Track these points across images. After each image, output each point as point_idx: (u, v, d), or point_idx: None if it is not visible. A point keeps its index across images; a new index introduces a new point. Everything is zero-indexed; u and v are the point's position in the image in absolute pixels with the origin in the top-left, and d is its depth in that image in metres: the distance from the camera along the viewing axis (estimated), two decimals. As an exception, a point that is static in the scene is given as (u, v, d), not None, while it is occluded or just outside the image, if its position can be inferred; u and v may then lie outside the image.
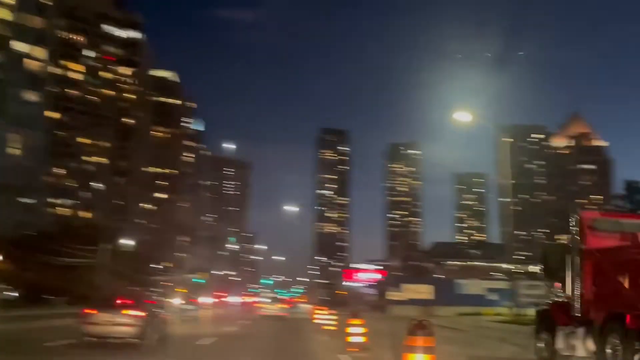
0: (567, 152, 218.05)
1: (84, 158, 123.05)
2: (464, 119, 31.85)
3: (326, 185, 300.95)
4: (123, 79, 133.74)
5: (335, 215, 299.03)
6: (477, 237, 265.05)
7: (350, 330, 15.64)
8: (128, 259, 64.59)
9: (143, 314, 15.37)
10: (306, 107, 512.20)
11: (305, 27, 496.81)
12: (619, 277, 10.76)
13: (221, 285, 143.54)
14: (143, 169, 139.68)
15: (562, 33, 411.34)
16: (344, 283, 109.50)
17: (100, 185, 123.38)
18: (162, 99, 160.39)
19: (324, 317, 29.08)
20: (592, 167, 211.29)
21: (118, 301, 16.01)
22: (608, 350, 10.42)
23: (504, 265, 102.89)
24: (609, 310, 10.77)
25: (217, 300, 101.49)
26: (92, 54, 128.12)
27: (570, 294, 12.12)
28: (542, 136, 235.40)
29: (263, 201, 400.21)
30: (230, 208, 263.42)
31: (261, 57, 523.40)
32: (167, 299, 39.18)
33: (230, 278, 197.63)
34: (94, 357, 13.99)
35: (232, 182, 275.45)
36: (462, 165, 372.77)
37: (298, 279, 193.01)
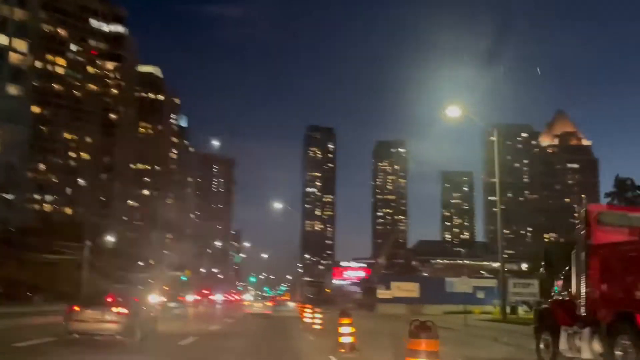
0: (552, 151, 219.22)
1: (66, 153, 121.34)
2: (453, 114, 31.37)
3: (313, 183, 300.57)
4: (107, 73, 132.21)
5: (322, 213, 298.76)
6: (465, 235, 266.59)
7: (341, 330, 14.77)
8: (111, 256, 63.59)
9: (127, 311, 15.31)
10: (293, 105, 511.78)
11: (292, 23, 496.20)
12: (628, 274, 10.02)
13: (206, 283, 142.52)
14: (127, 165, 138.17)
15: (551, 31, 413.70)
16: (333, 281, 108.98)
17: (84, 181, 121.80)
18: (147, 95, 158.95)
19: (310, 316, 28.38)
20: (576, 166, 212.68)
21: (103, 298, 15.95)
22: (618, 353, 9.69)
23: (493, 264, 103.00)
24: (618, 309, 10.01)
25: (201, 298, 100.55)
26: (75, 47, 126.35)
27: (574, 291, 11.39)
28: (526, 135, 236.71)
29: (249, 198, 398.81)
30: (215, 205, 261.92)
31: (247, 54, 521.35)
32: (149, 297, 38.37)
33: (215, 276, 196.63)
34: (63, 358, 13.25)
35: (217, 179, 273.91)
36: (449, 163, 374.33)
37: (285, 276, 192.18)
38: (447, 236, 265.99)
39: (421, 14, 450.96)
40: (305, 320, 29.96)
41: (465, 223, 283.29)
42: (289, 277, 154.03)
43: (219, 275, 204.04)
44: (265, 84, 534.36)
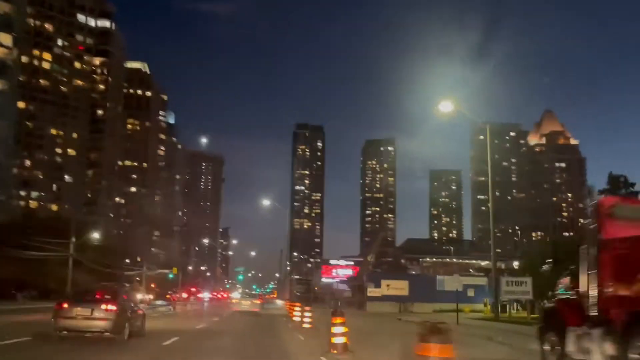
0: (540, 149, 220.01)
1: (52, 149, 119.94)
2: (446, 109, 31.05)
3: (301, 180, 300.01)
4: (94, 69, 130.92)
5: (310, 211, 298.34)
6: (453, 234, 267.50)
7: (334, 330, 14.14)
8: (97, 253, 62.82)
9: (116, 308, 15.31)
10: (283, 102, 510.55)
11: (281, 20, 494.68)
12: None
13: (193, 281, 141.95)
14: (114, 161, 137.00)
15: (539, 30, 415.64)
16: (322, 279, 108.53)
17: (70, 177, 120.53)
18: (134, 91, 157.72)
19: (300, 314, 27.88)
20: (564, 165, 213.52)
21: (92, 295, 16.08)
22: (633, 356, 8.93)
23: (481, 262, 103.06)
24: (633, 309, 9.27)
25: (189, 295, 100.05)
26: (62, 42, 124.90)
27: (583, 289, 10.65)
28: (514, 134, 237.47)
29: (238, 196, 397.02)
30: (203, 203, 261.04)
31: (236, 50, 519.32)
32: (136, 294, 37.96)
33: (203, 273, 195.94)
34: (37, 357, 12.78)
35: (206, 177, 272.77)
36: (437, 161, 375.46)
37: (273, 274, 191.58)
38: (435, 234, 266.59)
39: (411, 12, 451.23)
40: (295, 318, 29.48)
41: (454, 221, 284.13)
42: (277, 274, 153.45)
43: (207, 273, 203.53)
44: (254, 81, 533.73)
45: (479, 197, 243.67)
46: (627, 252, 9.77)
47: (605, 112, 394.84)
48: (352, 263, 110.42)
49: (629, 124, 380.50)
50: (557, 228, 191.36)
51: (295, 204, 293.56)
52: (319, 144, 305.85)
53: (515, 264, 61.03)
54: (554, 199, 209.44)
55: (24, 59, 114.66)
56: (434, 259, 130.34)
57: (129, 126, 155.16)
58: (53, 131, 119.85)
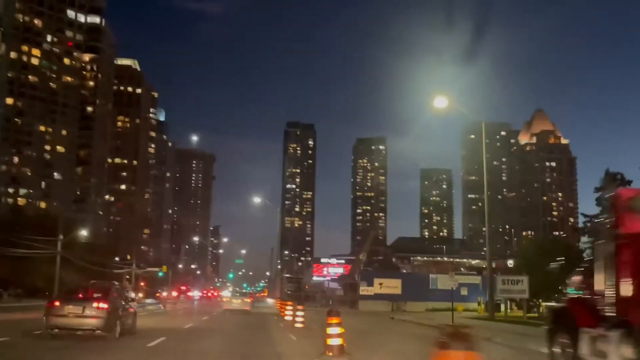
0: (530, 149, 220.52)
1: (41, 146, 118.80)
2: (441, 105, 30.60)
3: (292, 179, 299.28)
4: (84, 65, 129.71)
5: (301, 209, 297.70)
6: (443, 233, 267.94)
7: (329, 330, 13.32)
8: (86, 251, 62.09)
9: (108, 306, 15.38)
10: (274, 100, 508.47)
11: (273, 19, 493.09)
12: None
13: (183, 279, 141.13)
14: (104, 159, 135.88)
15: (527, 29, 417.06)
16: (313, 277, 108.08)
17: (59, 174, 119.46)
18: (125, 88, 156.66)
19: (292, 313, 27.32)
20: (554, 164, 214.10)
21: (83, 293, 16.17)
22: None
23: (472, 261, 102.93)
24: None
25: (179, 294, 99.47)
26: (51, 38, 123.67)
27: (600, 288, 9.86)
28: (504, 133, 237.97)
29: (229, 194, 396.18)
30: (194, 201, 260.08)
31: (228, 48, 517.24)
32: (127, 293, 37.42)
33: (194, 272, 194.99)
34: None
35: (196, 175, 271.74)
36: (428, 160, 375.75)
37: (262, 272, 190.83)
38: (426, 233, 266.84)
39: (401, 12, 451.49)
40: (286, 317, 28.90)
41: (444, 220, 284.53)
42: (267, 273, 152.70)
43: (197, 272, 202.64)
44: (245, 79, 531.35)
45: (469, 196, 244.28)
46: None
47: (596, 111, 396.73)
48: (343, 261, 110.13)
49: (620, 123, 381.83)
50: (547, 227, 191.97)
51: (286, 202, 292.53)
52: (310, 142, 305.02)
53: (510, 262, 60.72)
54: (544, 198, 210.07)
55: (13, 54, 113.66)
56: (425, 258, 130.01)
57: (119, 123, 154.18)
58: (42, 128, 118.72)
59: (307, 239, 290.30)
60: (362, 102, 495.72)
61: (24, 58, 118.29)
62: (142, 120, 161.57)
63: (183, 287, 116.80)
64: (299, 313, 25.17)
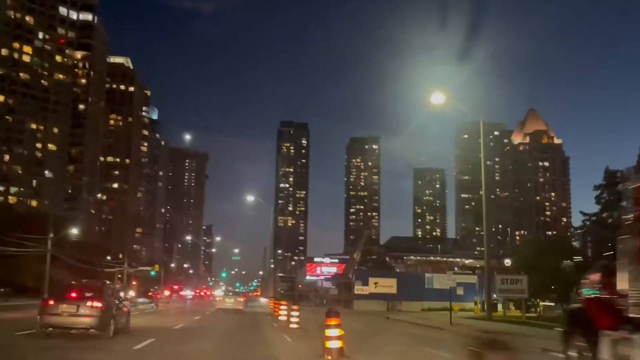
0: (523, 149, 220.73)
1: (33, 144, 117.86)
2: (438, 101, 30.19)
3: (286, 178, 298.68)
4: (76, 63, 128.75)
5: (294, 208, 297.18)
6: (436, 232, 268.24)
7: (328, 332, 12.45)
8: (77, 250, 61.39)
9: (102, 305, 15.42)
10: (267, 100, 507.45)
11: (266, 18, 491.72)
12: None
13: (176, 278, 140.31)
14: (96, 157, 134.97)
15: (523, 28, 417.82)
16: (306, 277, 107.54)
17: (50, 173, 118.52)
18: (117, 86, 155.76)
19: (286, 313, 26.79)
20: (547, 164, 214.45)
21: (77, 292, 16.14)
22: None
23: (465, 260, 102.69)
24: None
25: (171, 293, 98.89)
26: (43, 35, 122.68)
27: (623, 287, 8.91)
28: (497, 133, 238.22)
29: (222, 193, 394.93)
30: (187, 199, 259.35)
31: (221, 47, 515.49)
32: (121, 292, 36.91)
33: (186, 271, 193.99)
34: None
35: (189, 173, 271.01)
36: (421, 160, 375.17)
37: (255, 272, 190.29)
38: (419, 233, 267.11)
39: (395, 12, 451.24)
40: (280, 317, 28.30)
41: (437, 220, 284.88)
42: (260, 272, 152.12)
43: (190, 271, 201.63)
44: (238, 78, 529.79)
45: (462, 195, 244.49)
46: None
47: (590, 111, 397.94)
48: (336, 261, 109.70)
49: (614, 122, 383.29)
50: (540, 227, 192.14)
51: (279, 201, 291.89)
52: (303, 141, 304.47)
53: (507, 261, 60.31)
54: (537, 197, 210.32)
55: (4, 51, 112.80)
56: (418, 257, 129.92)
57: (111, 121, 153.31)
58: (33, 125, 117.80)
59: (301, 238, 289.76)
60: (355, 101, 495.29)
61: (15, 55, 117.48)
62: (135, 118, 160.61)
63: (175, 286, 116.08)
64: (294, 313, 24.59)
